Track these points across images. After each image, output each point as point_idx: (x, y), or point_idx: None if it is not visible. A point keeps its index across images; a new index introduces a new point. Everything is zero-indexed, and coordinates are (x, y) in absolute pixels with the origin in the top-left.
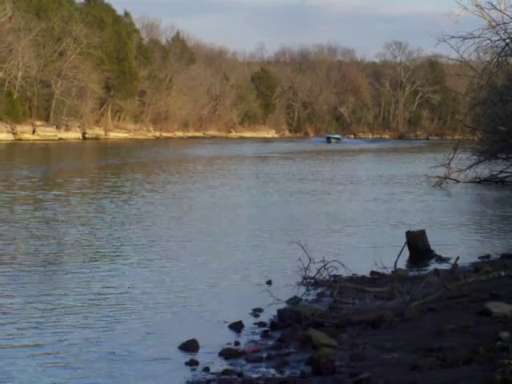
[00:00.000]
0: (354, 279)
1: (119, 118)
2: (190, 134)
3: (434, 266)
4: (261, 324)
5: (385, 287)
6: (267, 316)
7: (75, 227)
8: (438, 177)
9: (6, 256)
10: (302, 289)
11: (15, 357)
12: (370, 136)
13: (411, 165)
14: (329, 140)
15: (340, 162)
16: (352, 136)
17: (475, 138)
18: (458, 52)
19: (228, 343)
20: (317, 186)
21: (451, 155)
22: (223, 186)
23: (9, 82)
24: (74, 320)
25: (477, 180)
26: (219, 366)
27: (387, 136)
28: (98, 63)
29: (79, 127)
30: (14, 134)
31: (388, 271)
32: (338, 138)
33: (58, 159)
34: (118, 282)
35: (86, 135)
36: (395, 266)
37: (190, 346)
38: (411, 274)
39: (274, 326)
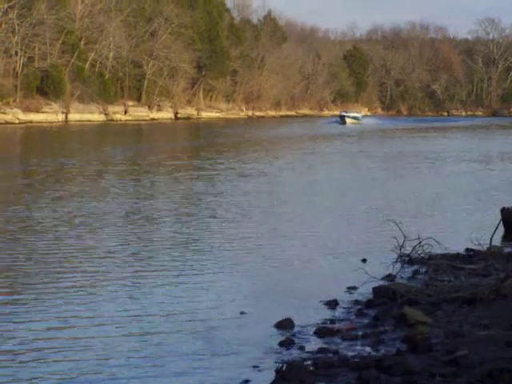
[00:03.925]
0: (449, 256)
1: (211, 97)
2: (283, 112)
3: None
4: (356, 302)
5: (480, 264)
6: (362, 294)
7: (172, 203)
8: None
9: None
10: (397, 266)
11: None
12: (463, 113)
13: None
14: (343, 120)
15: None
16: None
17: None
18: None
19: (323, 322)
20: (407, 164)
21: None
22: (318, 165)
23: (100, 63)
24: (167, 298)
25: None
26: (314, 344)
27: (480, 113)
28: (190, 43)
29: (171, 107)
30: (105, 114)
31: (483, 248)
32: (355, 118)
33: (154, 138)
34: (211, 260)
35: (178, 115)
36: (490, 242)
37: (285, 325)
38: (506, 250)
39: (368, 303)
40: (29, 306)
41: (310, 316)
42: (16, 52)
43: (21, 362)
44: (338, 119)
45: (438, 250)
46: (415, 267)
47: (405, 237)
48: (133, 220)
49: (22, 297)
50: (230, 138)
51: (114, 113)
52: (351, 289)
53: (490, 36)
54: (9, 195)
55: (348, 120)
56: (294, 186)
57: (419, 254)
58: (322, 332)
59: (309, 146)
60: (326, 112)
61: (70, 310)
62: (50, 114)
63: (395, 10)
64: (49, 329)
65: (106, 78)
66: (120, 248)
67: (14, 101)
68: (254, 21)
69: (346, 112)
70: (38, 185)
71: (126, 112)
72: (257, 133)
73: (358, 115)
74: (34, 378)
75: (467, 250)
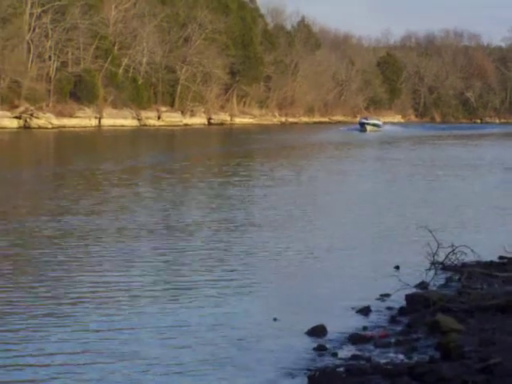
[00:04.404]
0: (482, 264)
1: (244, 103)
2: (316, 119)
3: None
4: (388, 309)
5: None
6: (395, 301)
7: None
8: None
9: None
10: (430, 274)
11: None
12: (497, 120)
13: None
14: (363, 127)
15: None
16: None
17: None
18: None
19: (356, 328)
20: (441, 171)
21: None
22: (351, 171)
23: (133, 68)
24: (200, 306)
25: None
26: (347, 351)
27: None
28: (223, 48)
29: (204, 112)
30: (138, 119)
31: None
32: (376, 125)
33: (188, 144)
34: (244, 266)
35: (212, 121)
36: None
37: (317, 331)
38: None
39: (401, 311)
40: (63, 317)
41: (342, 323)
42: (49, 57)
43: (78, 365)
44: (358, 126)
45: (471, 257)
46: (448, 275)
47: (438, 244)
48: (166, 227)
49: (59, 308)
50: (263, 143)
51: (147, 118)
52: (384, 296)
53: None
54: (42, 200)
55: (368, 127)
56: (327, 192)
57: (452, 262)
58: (354, 339)
59: (335, 153)
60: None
61: (108, 321)
62: (82, 119)
63: (429, 17)
64: (87, 341)
65: (140, 83)
66: (153, 255)
67: (47, 105)
68: (288, 27)
69: (367, 119)
70: (72, 190)
71: (159, 117)
72: (288, 138)
73: (378, 122)
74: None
75: (501, 257)
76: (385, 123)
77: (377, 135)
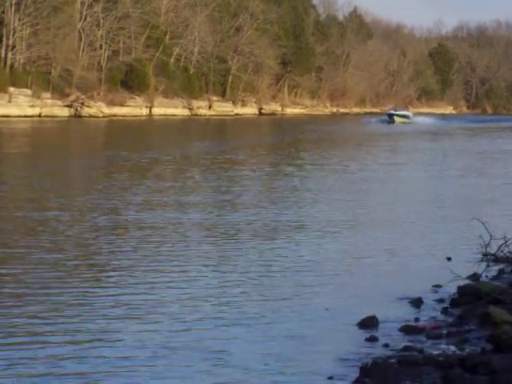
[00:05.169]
0: None
1: (296, 93)
2: (367, 109)
3: None
4: (440, 300)
5: None
6: (447, 292)
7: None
8: None
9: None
10: (483, 265)
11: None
12: None
13: None
14: (391, 118)
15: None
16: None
17: None
18: None
19: (407, 319)
20: (493, 163)
21: None
22: (402, 163)
23: (185, 58)
24: (254, 296)
25: None
26: (399, 342)
27: None
28: (275, 39)
29: (255, 103)
30: (189, 109)
31: None
32: (405, 116)
33: (240, 133)
34: (297, 256)
35: (262, 111)
36: None
37: (369, 322)
38: None
39: (453, 302)
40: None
41: (394, 313)
42: (100, 45)
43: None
44: (386, 118)
45: None
46: (500, 266)
47: (490, 236)
48: (219, 212)
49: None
50: (315, 134)
51: (198, 108)
52: (436, 287)
53: None
54: (98, 188)
55: (397, 119)
56: (380, 182)
57: (505, 254)
58: (406, 330)
59: (370, 144)
60: (410, 109)
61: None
62: (133, 108)
63: (481, 8)
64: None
65: (191, 72)
66: (209, 245)
67: (98, 94)
68: (340, 17)
69: (395, 110)
70: (127, 178)
71: (210, 107)
72: (334, 129)
73: (408, 113)
74: None
75: None
76: (415, 114)
77: (405, 127)
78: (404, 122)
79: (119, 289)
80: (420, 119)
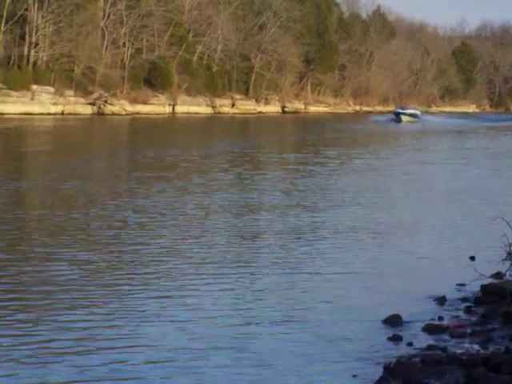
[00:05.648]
0: None
1: (319, 91)
2: (390, 108)
3: None
4: (464, 299)
5: None
6: (470, 291)
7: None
8: None
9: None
10: (507, 264)
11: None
12: None
13: None
14: (398, 117)
15: None
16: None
17: None
18: None
19: (431, 318)
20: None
21: None
22: (431, 162)
23: (208, 56)
24: (281, 293)
25: None
26: (423, 341)
27: None
28: (298, 37)
29: (278, 101)
30: (213, 107)
31: None
32: (413, 115)
33: (263, 132)
34: (323, 254)
35: (286, 109)
36: None
37: (393, 321)
38: None
39: (477, 301)
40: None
41: (418, 312)
42: (124, 43)
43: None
44: (393, 117)
45: None
46: None
47: None
48: (245, 212)
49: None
50: (339, 132)
51: (222, 106)
52: (460, 286)
53: None
54: (119, 186)
55: (404, 118)
56: (403, 181)
57: None
58: (430, 329)
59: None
60: (433, 108)
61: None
62: (156, 106)
63: (505, 7)
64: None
65: (214, 70)
66: (236, 243)
67: (121, 92)
68: (363, 16)
69: (403, 108)
70: (149, 176)
71: (233, 105)
72: (357, 128)
73: (416, 112)
74: None
75: None
76: (423, 113)
77: (413, 127)
78: (411, 121)
79: (151, 291)
80: (429, 118)
